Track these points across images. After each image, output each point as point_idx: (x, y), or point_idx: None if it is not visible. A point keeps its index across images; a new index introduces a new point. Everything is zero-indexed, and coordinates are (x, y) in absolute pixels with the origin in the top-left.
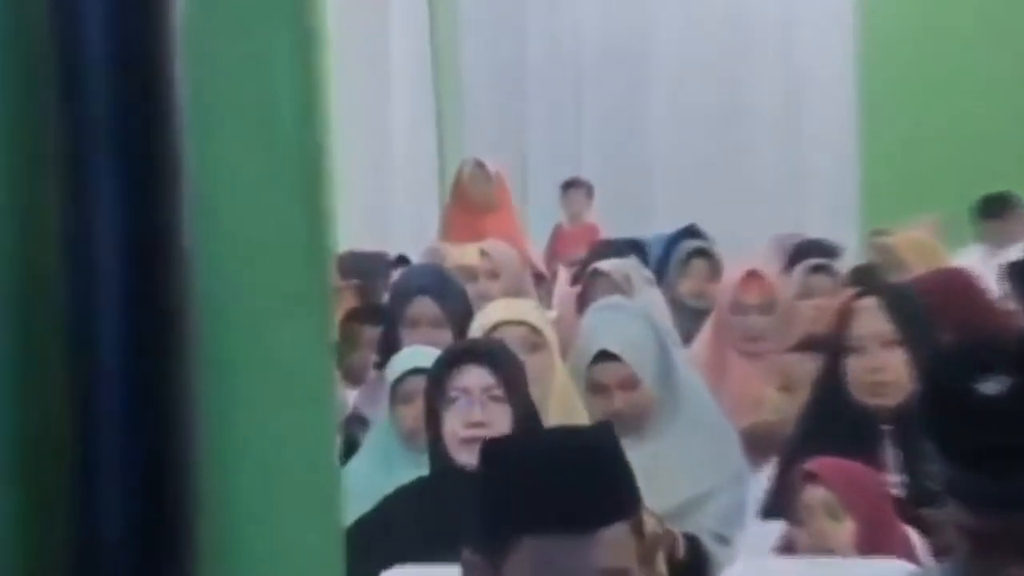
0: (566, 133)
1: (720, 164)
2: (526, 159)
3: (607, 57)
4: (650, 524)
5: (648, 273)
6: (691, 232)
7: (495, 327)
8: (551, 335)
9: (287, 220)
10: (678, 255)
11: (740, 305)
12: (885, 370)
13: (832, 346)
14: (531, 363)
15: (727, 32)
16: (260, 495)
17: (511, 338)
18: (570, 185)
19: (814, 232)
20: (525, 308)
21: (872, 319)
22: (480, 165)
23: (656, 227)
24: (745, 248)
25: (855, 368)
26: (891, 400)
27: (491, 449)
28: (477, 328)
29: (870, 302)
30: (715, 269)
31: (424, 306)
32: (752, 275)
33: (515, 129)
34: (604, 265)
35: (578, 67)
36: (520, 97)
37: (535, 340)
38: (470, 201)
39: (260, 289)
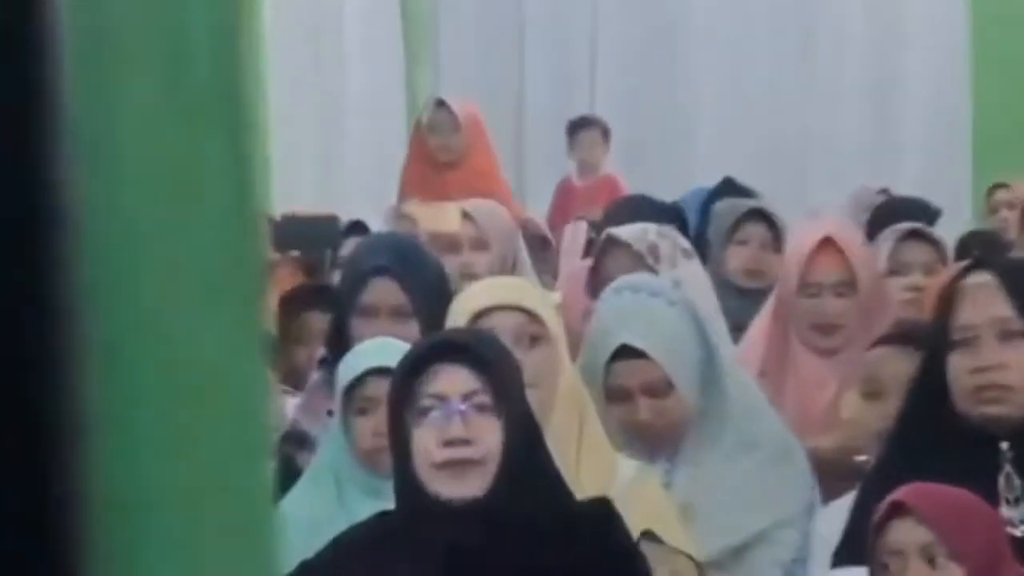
0: (576, 68)
1: (780, 110)
2: (523, 99)
3: None
4: None
5: (685, 243)
6: (734, 187)
7: (481, 314)
8: (555, 324)
9: (202, 176)
10: (723, 218)
11: (811, 284)
12: (1003, 370)
13: (933, 339)
14: (529, 361)
15: None
16: (172, 537)
17: (503, 329)
18: (579, 126)
19: (907, 189)
20: (521, 289)
21: (986, 302)
22: (441, 106)
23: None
24: (811, 211)
25: (962, 367)
26: (1010, 409)
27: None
28: (458, 315)
29: (984, 279)
30: (775, 237)
31: (384, 290)
32: (827, 244)
33: (508, 62)
34: (622, 232)
35: None
36: (515, 19)
37: (534, 331)
38: (429, 152)
39: (167, 268)
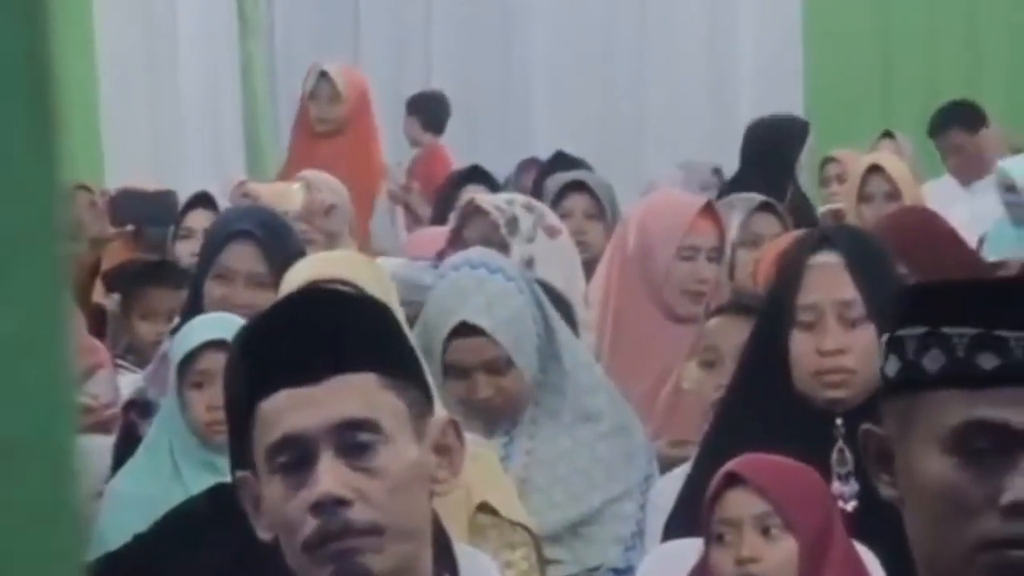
0: (411, 40)
1: (616, 81)
2: (359, 63)
3: None
4: (519, 554)
5: (553, 220)
6: (565, 160)
7: None
8: (393, 298)
9: None
10: (547, 192)
11: (689, 248)
12: (845, 354)
13: (773, 311)
14: None
15: None
16: None
17: None
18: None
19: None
20: (352, 263)
21: (832, 284)
22: (323, 76)
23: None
24: (650, 182)
25: (806, 347)
26: (851, 392)
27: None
28: (286, 290)
29: (831, 260)
30: (599, 208)
31: (242, 255)
32: (708, 210)
33: (343, 33)
34: (485, 200)
35: None
36: None
37: None
38: (311, 122)
39: None
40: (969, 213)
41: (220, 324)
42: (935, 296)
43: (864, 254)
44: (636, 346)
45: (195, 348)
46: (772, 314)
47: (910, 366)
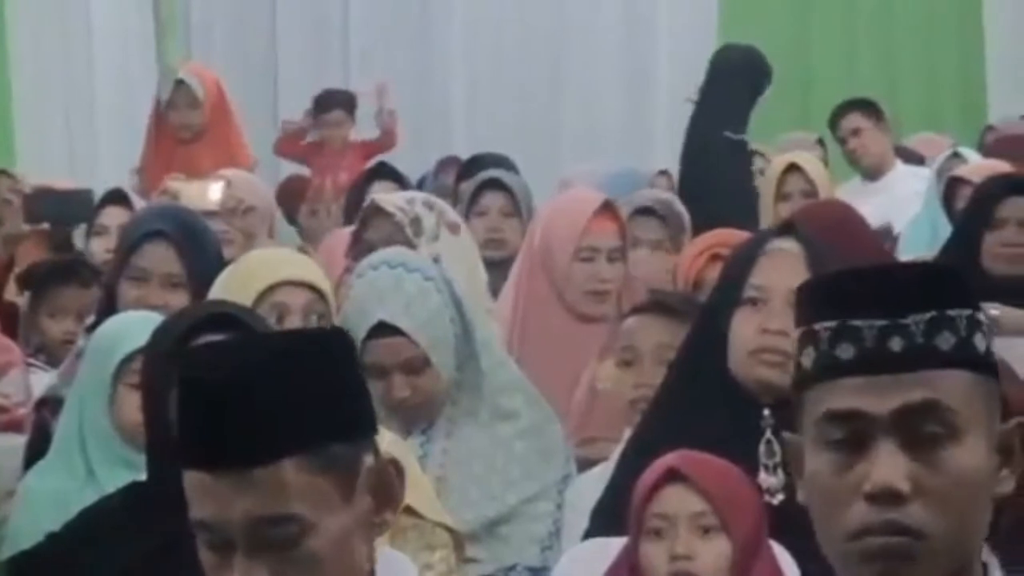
0: (328, 44)
1: (538, 84)
2: (276, 72)
3: None
4: (438, 556)
5: (453, 216)
6: (485, 160)
7: (269, 291)
8: (333, 302)
9: None
10: (465, 190)
11: (588, 248)
12: (788, 337)
13: (718, 297)
14: None
15: None
16: None
17: (293, 306)
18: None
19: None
20: (308, 266)
21: (786, 270)
22: (180, 84)
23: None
24: (564, 180)
25: (748, 323)
26: (784, 377)
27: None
28: (235, 290)
29: (789, 247)
30: (515, 205)
31: (156, 255)
32: (607, 209)
33: (261, 32)
34: (386, 200)
35: None
36: None
37: (320, 310)
38: (170, 127)
39: None
40: (874, 208)
41: (144, 325)
42: (808, 294)
43: (824, 250)
44: (543, 345)
45: (132, 351)
46: (719, 296)
47: (797, 368)
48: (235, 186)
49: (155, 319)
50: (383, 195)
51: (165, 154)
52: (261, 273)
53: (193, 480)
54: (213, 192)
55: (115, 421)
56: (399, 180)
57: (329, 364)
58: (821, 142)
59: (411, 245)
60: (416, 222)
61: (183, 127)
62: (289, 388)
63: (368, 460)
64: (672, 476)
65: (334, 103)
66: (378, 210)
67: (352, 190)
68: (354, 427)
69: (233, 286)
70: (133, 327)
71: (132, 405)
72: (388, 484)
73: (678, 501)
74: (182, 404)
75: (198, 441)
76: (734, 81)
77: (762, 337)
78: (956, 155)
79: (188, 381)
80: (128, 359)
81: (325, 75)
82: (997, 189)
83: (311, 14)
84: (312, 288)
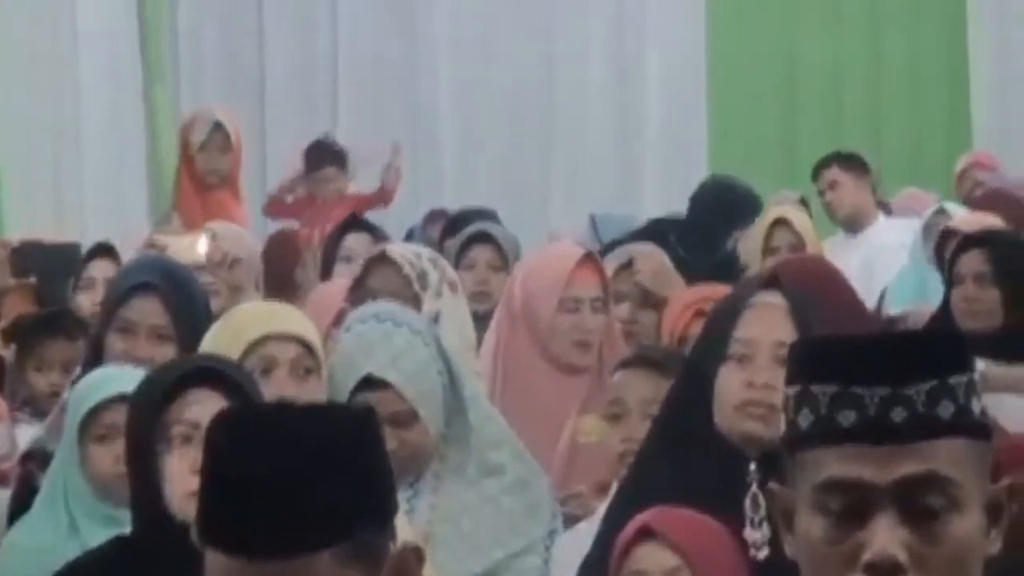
0: (317, 92)
1: (529, 137)
2: (264, 123)
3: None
4: None
5: (453, 274)
6: (472, 214)
7: (257, 343)
8: (323, 356)
9: None
10: (451, 245)
11: (572, 299)
12: (774, 391)
13: (704, 350)
14: (303, 394)
15: None
16: None
17: (282, 359)
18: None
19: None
20: (296, 318)
21: (772, 323)
22: (218, 127)
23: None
24: (552, 232)
25: (735, 378)
26: (771, 431)
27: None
28: (231, 342)
29: (774, 300)
30: (503, 258)
31: (146, 307)
32: (589, 260)
33: (250, 80)
34: (395, 251)
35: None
36: (254, 29)
37: (309, 364)
38: (202, 173)
39: None
40: (858, 261)
41: (126, 377)
42: (806, 354)
43: (809, 303)
44: (525, 399)
45: (100, 402)
46: (704, 349)
47: (790, 425)
48: (221, 238)
49: (128, 373)
50: (393, 245)
51: (198, 200)
52: (249, 326)
53: (221, 563)
54: (200, 245)
55: (86, 475)
56: (373, 232)
57: (361, 450)
58: (804, 201)
59: (416, 299)
60: (423, 276)
61: (211, 172)
62: (327, 483)
63: (391, 547)
64: (646, 533)
65: (325, 160)
66: (385, 259)
67: (327, 241)
68: (383, 513)
69: (221, 339)
70: (101, 381)
71: (101, 459)
72: (408, 572)
73: (651, 558)
74: (214, 495)
75: (234, 532)
76: (711, 219)
77: (748, 391)
78: (941, 211)
79: (222, 477)
80: (94, 412)
81: (313, 125)
82: (955, 245)
83: (299, 63)
84: (300, 342)
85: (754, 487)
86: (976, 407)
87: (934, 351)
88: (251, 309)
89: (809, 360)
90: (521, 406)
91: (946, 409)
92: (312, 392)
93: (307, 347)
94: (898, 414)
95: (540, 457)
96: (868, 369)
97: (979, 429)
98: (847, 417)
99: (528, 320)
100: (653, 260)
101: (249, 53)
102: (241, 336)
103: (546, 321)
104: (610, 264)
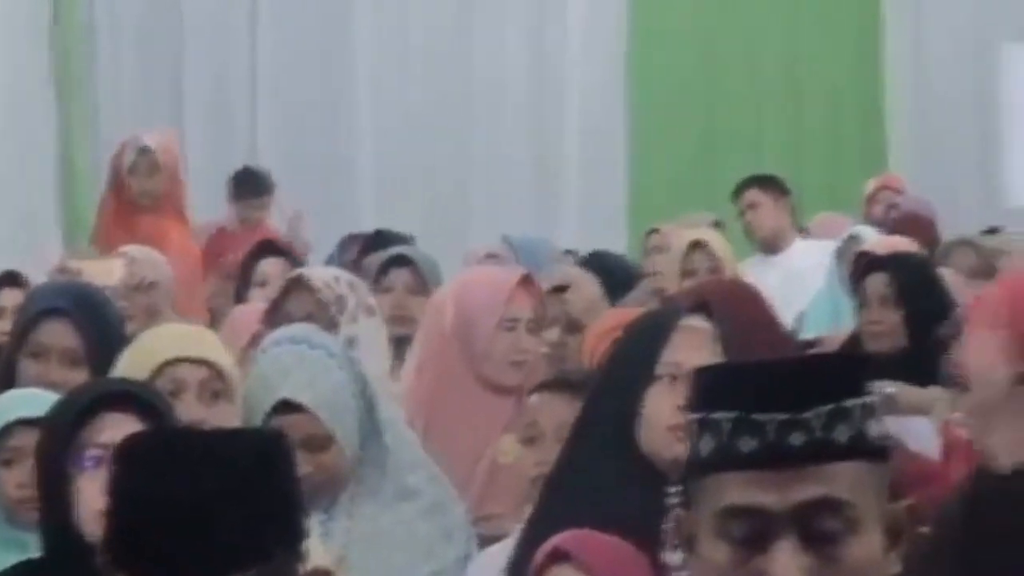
0: (235, 116)
1: (446, 160)
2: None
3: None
4: None
5: (370, 299)
6: (387, 237)
7: (166, 365)
8: (236, 380)
9: None
10: (368, 268)
11: (510, 320)
12: None
13: (625, 372)
14: (211, 418)
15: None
16: None
17: (190, 382)
18: (244, 193)
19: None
20: (206, 341)
21: (698, 347)
22: (145, 151)
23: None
24: (469, 253)
25: (665, 402)
26: None
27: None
28: (139, 365)
29: (701, 325)
30: (421, 281)
31: (56, 331)
32: (526, 282)
33: (166, 101)
34: (314, 275)
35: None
36: (176, 55)
37: (218, 387)
38: (131, 196)
39: None
40: (777, 282)
41: (31, 401)
42: (707, 381)
43: (737, 327)
44: (453, 418)
45: (5, 425)
46: (626, 368)
47: (693, 451)
48: (137, 263)
49: (33, 397)
50: (310, 269)
51: (123, 223)
52: (157, 349)
53: None
54: (115, 269)
55: None
56: (287, 256)
57: (272, 474)
58: (718, 224)
59: (333, 323)
60: (340, 301)
61: (142, 194)
62: (236, 506)
63: (301, 570)
64: (560, 556)
65: (255, 189)
66: (302, 283)
67: (241, 265)
68: (293, 537)
69: (131, 361)
70: (6, 405)
71: (9, 483)
72: None
73: None
74: (123, 519)
75: (142, 556)
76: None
77: (680, 415)
78: (853, 237)
79: (131, 501)
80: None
81: (231, 149)
82: (861, 268)
83: (217, 84)
84: (210, 365)
85: (676, 511)
86: (873, 430)
87: (831, 375)
88: (161, 332)
89: (710, 387)
90: (449, 426)
91: (843, 433)
92: (221, 416)
93: (216, 371)
94: (796, 438)
95: (466, 477)
96: (767, 395)
97: (876, 452)
98: (747, 443)
99: (462, 339)
100: (587, 290)
101: (166, 70)
102: (150, 358)
103: (484, 340)
104: (542, 284)
